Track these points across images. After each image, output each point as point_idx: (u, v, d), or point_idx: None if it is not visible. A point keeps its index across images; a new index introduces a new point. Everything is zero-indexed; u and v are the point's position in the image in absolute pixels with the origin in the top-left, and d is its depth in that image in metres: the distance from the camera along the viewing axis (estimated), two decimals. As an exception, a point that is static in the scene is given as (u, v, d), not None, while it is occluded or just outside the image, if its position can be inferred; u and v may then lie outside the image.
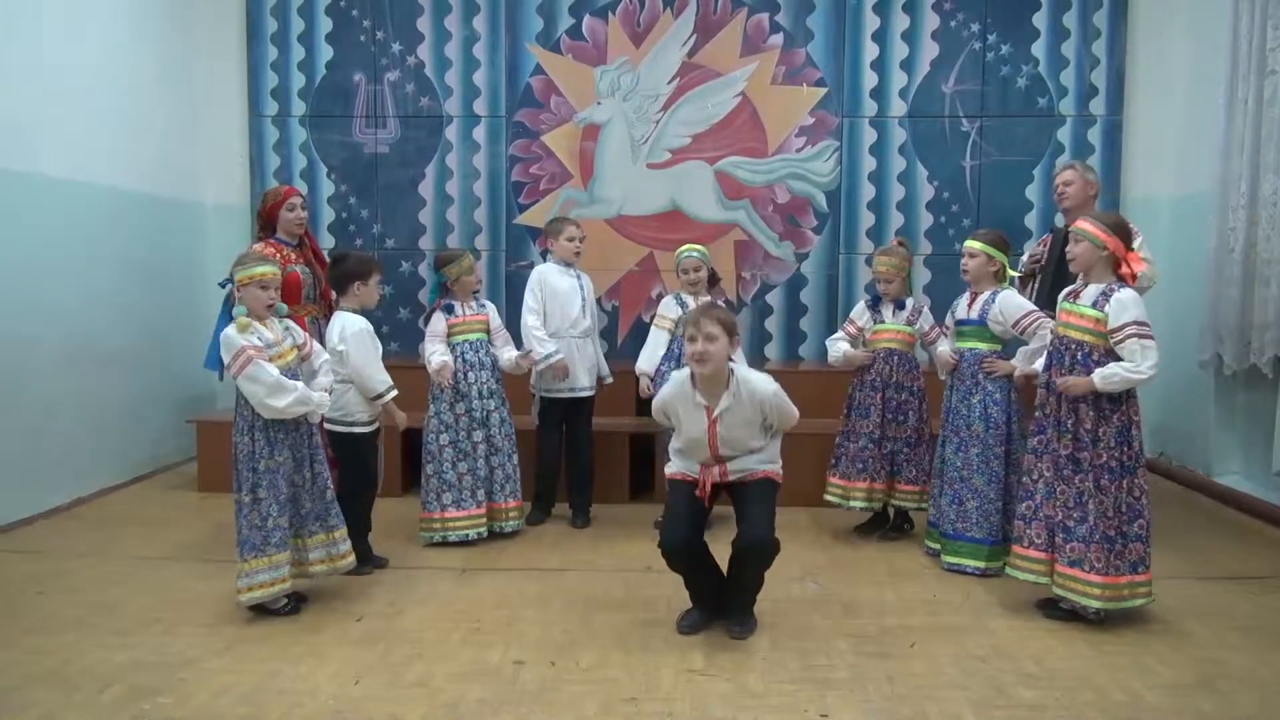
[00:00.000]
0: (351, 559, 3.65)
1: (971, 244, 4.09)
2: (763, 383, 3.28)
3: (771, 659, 3.14)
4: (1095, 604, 3.32)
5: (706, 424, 3.26)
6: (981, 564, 3.93)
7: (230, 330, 3.35)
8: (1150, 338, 3.24)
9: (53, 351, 4.83)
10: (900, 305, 4.47)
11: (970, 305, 4.09)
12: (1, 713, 2.74)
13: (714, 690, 2.91)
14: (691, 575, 3.39)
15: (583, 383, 4.72)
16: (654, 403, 3.51)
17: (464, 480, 4.30)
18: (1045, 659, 3.14)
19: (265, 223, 4.50)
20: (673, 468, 3.44)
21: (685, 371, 3.32)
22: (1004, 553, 3.79)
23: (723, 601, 3.40)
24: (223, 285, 3.60)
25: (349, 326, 3.87)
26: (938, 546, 4.12)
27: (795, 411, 3.38)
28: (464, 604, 3.60)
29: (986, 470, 3.95)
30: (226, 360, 3.35)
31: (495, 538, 4.43)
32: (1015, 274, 4.23)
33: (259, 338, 3.37)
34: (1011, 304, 3.98)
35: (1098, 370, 3.27)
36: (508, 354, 4.47)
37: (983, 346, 4.04)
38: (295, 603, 3.51)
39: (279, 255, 4.34)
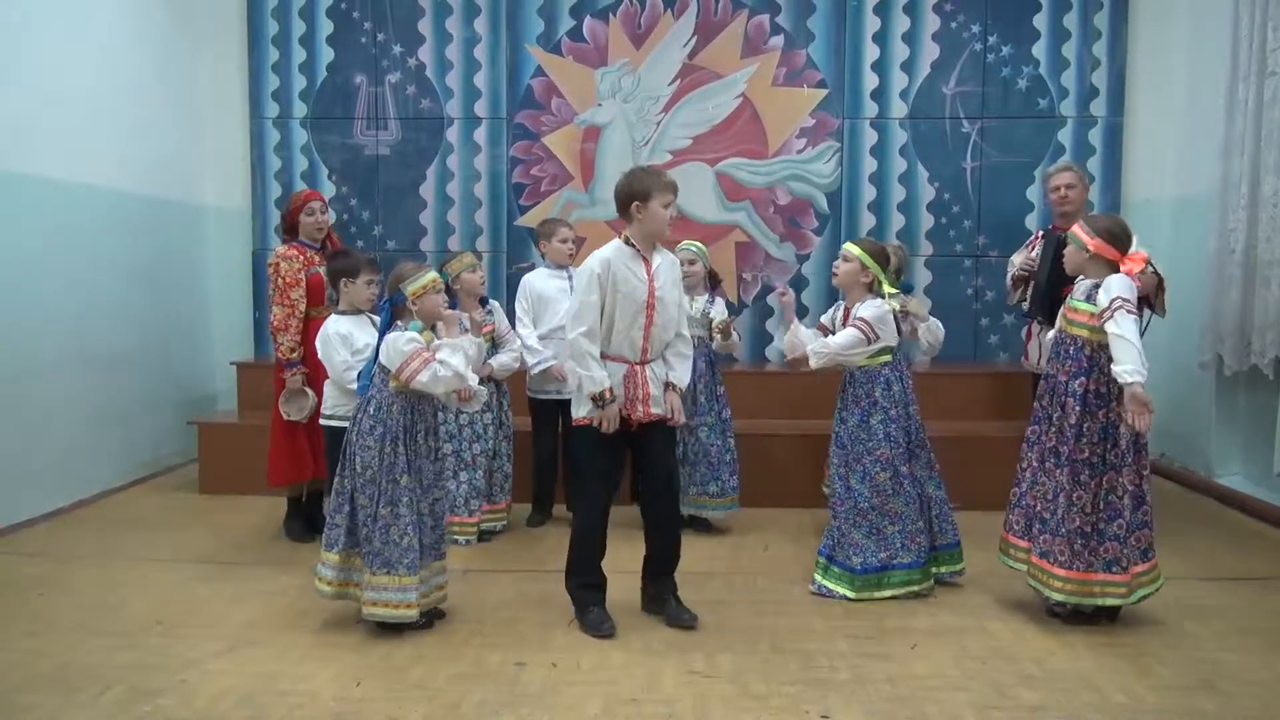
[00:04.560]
0: (445, 591, 3.49)
1: (849, 248, 3.76)
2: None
3: (772, 660, 3.14)
4: (1058, 596, 3.34)
5: (647, 278, 3.29)
6: (917, 588, 3.68)
7: (407, 334, 3.27)
8: (1133, 313, 3.20)
9: (54, 353, 4.83)
10: None
11: (845, 320, 3.79)
12: (3, 715, 2.75)
13: (715, 691, 2.91)
14: (602, 542, 3.42)
15: (553, 386, 4.64)
16: (593, 263, 3.27)
17: (460, 489, 4.33)
18: (1046, 660, 3.14)
19: (288, 226, 4.48)
20: (586, 411, 3.29)
21: (617, 240, 3.36)
22: (874, 584, 3.66)
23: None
24: (387, 305, 3.39)
25: (324, 330, 3.85)
26: (828, 585, 3.73)
27: (685, 319, 3.52)
28: (465, 605, 3.60)
29: (900, 492, 3.67)
30: (397, 364, 3.23)
31: (496, 538, 4.46)
32: (891, 294, 3.74)
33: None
34: (864, 307, 3.69)
35: (1125, 372, 3.13)
36: (500, 358, 4.45)
37: (871, 362, 3.73)
38: (429, 618, 3.41)
39: (303, 257, 4.34)
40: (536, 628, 3.41)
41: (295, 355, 4.27)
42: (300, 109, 6.36)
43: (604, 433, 3.28)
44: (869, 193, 6.24)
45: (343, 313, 3.88)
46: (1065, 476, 3.34)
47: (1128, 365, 3.15)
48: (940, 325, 4.40)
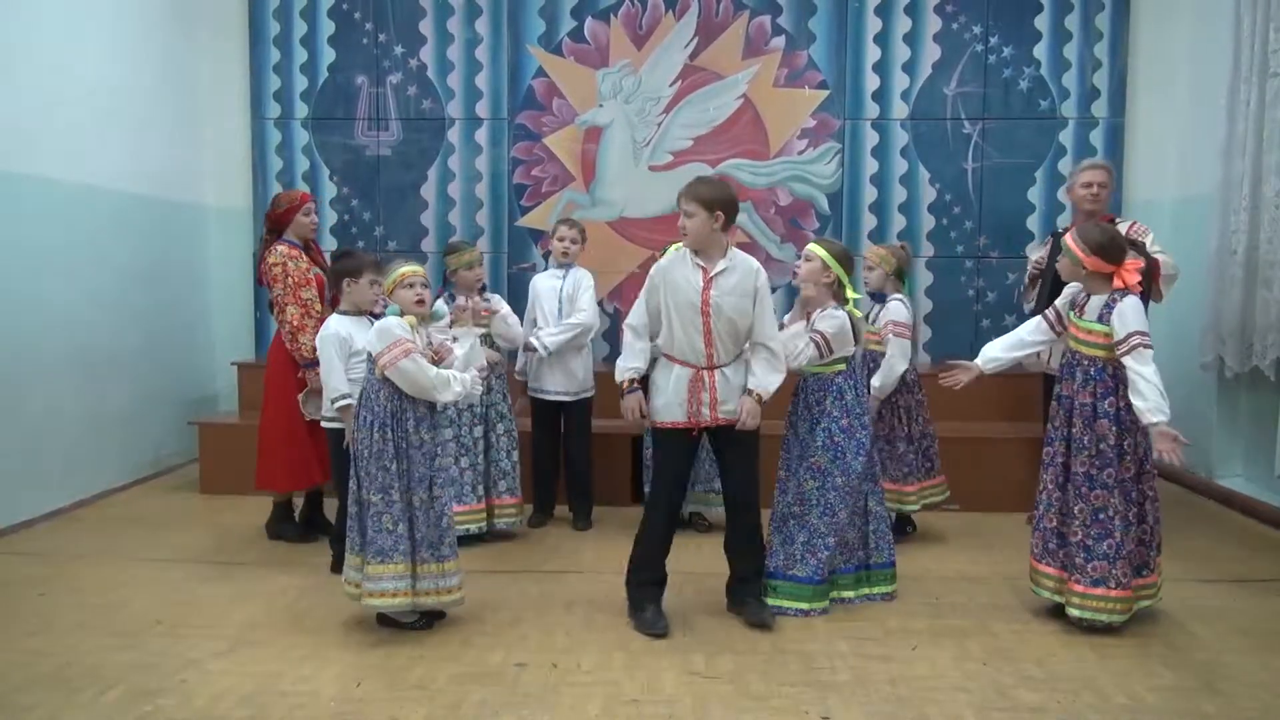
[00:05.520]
0: (461, 595, 3.40)
1: (812, 248, 3.64)
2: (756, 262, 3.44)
3: (773, 661, 3.14)
4: (1120, 619, 3.32)
5: (702, 285, 3.31)
6: (805, 605, 3.52)
7: (391, 320, 3.27)
8: (1150, 346, 3.24)
9: (55, 353, 4.83)
10: (880, 301, 4.32)
11: (807, 325, 3.67)
12: (4, 715, 2.74)
13: (715, 692, 2.91)
14: (664, 546, 3.46)
15: (548, 386, 4.68)
16: (650, 274, 3.47)
17: (465, 475, 4.32)
18: (1047, 661, 3.14)
19: (275, 226, 4.39)
20: (661, 415, 3.40)
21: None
22: (828, 591, 3.59)
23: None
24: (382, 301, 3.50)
25: (324, 329, 3.81)
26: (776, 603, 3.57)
27: (775, 328, 3.45)
28: (466, 606, 3.59)
29: (822, 503, 3.55)
30: (380, 348, 3.22)
31: (497, 538, 4.46)
32: (855, 300, 3.66)
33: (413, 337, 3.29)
34: (824, 319, 3.58)
35: (1149, 410, 3.19)
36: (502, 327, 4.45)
37: (825, 370, 3.63)
38: (429, 619, 3.40)
39: (306, 258, 4.32)
40: (537, 628, 3.41)
41: (315, 355, 4.22)
42: (301, 109, 6.36)
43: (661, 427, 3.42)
44: (870, 194, 6.24)
45: (344, 313, 3.86)
46: (1116, 499, 3.30)
47: (1150, 404, 3.17)
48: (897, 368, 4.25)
